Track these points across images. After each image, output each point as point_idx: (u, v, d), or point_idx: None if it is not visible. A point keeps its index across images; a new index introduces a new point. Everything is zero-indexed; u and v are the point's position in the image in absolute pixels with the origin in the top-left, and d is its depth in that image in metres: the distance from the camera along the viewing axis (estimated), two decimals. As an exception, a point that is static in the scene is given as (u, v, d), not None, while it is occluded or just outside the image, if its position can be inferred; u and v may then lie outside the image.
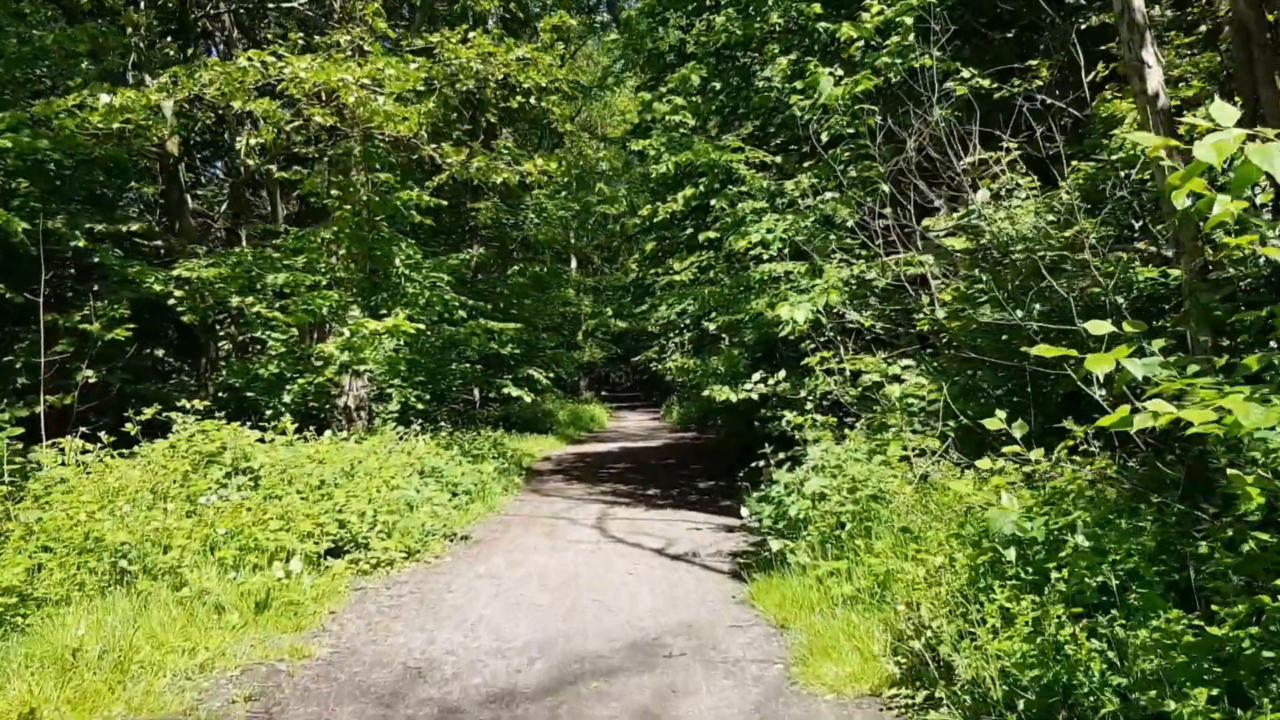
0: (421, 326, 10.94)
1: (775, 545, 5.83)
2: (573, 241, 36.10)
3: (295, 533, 6.75)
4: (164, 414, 8.02)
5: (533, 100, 13.08)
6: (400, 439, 10.28)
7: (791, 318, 5.78)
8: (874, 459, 5.99)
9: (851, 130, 7.70)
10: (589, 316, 13.15)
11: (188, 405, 8.10)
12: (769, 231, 7.74)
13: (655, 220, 10.73)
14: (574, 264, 35.72)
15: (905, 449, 5.69)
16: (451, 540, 8.15)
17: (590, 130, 31.12)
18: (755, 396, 6.87)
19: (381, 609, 5.77)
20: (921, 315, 6.82)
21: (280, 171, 11.58)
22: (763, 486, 8.71)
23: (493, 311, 15.11)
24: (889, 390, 5.57)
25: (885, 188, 7.04)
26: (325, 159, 12.39)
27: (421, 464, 9.58)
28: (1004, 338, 6.20)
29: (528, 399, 14.71)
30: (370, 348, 10.53)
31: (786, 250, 9.10)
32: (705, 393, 7.15)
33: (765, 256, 9.05)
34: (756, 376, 6.89)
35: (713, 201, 9.03)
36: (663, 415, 30.31)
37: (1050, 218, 6.58)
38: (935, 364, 6.30)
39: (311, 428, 9.82)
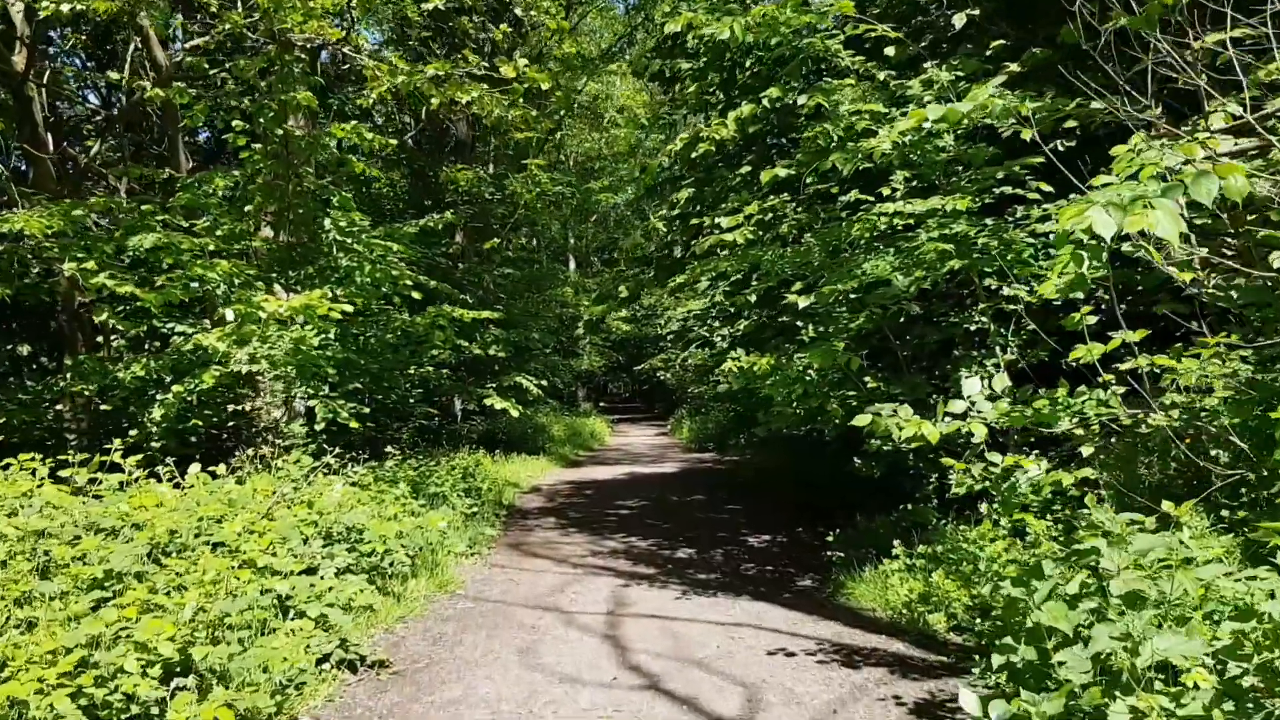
0: (349, 308, 7.45)
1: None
2: (571, 242, 32.90)
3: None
4: None
5: (519, 11, 9.65)
6: (306, 477, 6.76)
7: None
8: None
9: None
10: (592, 304, 9.66)
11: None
12: (921, 126, 4.25)
13: (695, 156, 7.26)
14: (572, 265, 32.50)
15: None
16: (354, 670, 4.63)
17: (595, 115, 27.65)
18: (972, 431, 3.35)
19: None
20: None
21: (155, 88, 8.09)
22: (897, 559, 5.26)
23: (472, 305, 11.42)
24: None
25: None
26: (228, 73, 8.96)
27: (330, 521, 6.07)
28: None
29: (514, 413, 11.12)
30: (264, 338, 7.04)
31: (899, 186, 5.70)
32: (867, 427, 3.64)
33: (885, 193, 5.63)
34: (972, 388, 3.37)
35: (800, 99, 5.58)
36: (670, 430, 26.79)
37: None
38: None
39: (168, 462, 6.41)
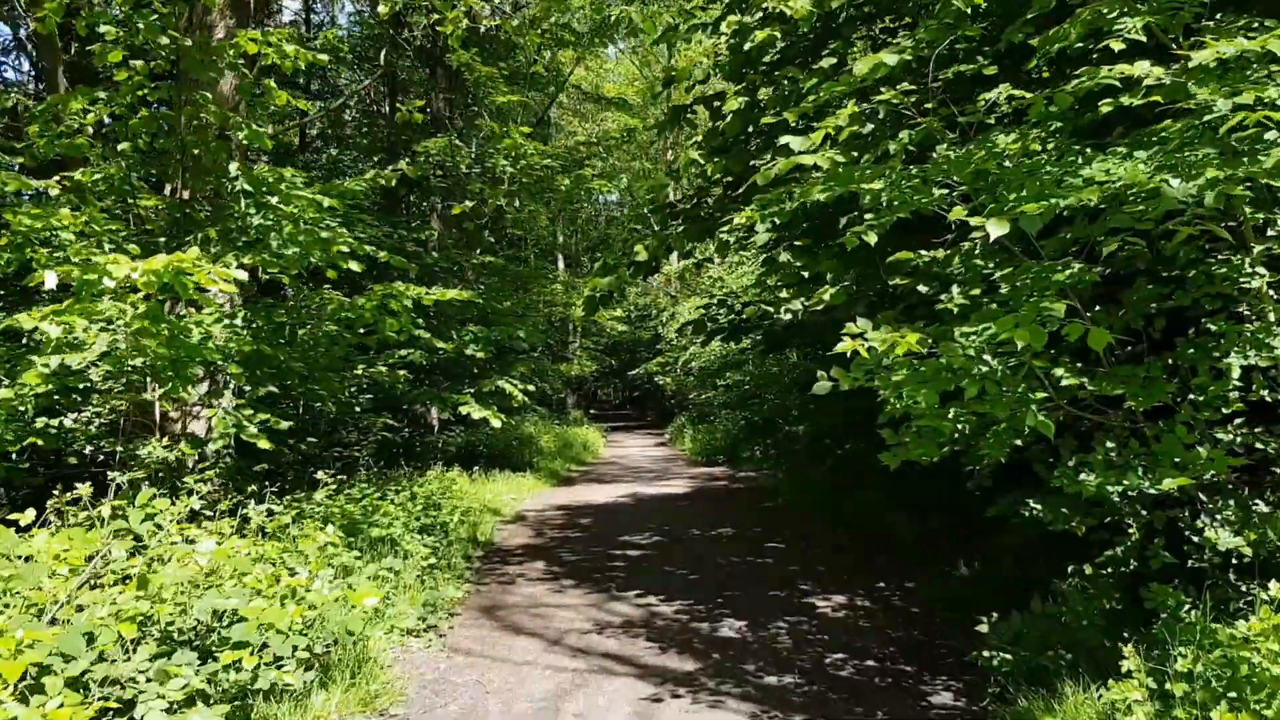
0: (242, 276, 5.05)
1: None
2: (560, 239, 30.71)
3: None
4: None
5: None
6: (153, 534, 4.36)
7: None
8: None
9: None
10: (597, 274, 7.29)
11: None
12: None
13: (749, 49, 4.94)
14: (561, 264, 30.31)
15: None
16: None
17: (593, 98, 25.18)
18: None
19: None
20: None
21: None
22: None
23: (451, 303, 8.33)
24: None
25: None
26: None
27: (171, 611, 3.68)
28: None
29: (496, 422, 8.69)
30: (95, 314, 4.67)
31: (1139, 35, 3.47)
32: None
33: (1118, 48, 3.35)
34: None
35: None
36: (670, 440, 24.46)
37: None
38: None
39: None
